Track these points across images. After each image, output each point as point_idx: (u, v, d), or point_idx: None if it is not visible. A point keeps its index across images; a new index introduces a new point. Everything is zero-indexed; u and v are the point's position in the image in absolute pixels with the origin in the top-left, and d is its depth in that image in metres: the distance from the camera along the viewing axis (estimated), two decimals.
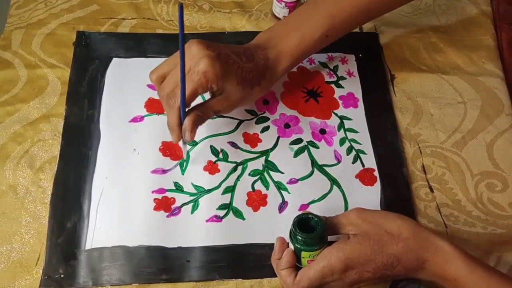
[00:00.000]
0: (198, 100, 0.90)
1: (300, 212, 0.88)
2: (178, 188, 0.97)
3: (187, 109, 0.89)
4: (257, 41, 0.98)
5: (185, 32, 1.12)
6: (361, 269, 0.76)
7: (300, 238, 0.78)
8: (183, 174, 0.99)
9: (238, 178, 0.99)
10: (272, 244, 0.84)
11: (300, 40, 0.96)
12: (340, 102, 1.09)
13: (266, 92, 0.99)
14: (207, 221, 0.95)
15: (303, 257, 0.80)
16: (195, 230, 0.94)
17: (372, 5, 0.99)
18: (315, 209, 0.96)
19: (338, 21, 0.97)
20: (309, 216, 0.81)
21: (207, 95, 0.95)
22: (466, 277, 0.75)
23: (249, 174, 1.00)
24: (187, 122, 0.89)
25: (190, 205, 0.96)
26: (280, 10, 1.16)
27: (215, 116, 0.97)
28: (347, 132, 1.05)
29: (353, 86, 1.12)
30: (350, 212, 0.82)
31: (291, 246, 0.81)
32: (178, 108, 0.87)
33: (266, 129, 1.05)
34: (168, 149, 1.01)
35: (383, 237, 0.77)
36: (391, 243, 0.77)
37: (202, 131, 1.02)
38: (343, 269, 0.76)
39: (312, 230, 0.78)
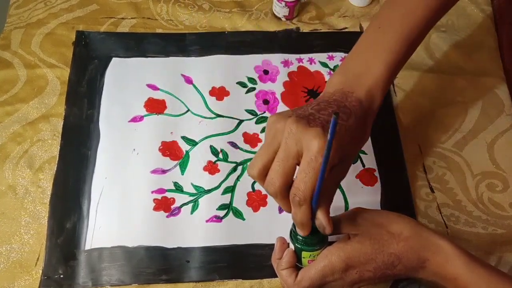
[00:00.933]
0: None
1: None
2: (178, 188, 0.97)
3: None
4: (338, 86, 0.80)
5: (185, 31, 1.13)
6: (362, 268, 0.76)
7: (300, 238, 0.78)
8: (182, 174, 0.99)
9: (238, 178, 0.99)
10: (272, 245, 0.84)
11: (385, 69, 0.82)
12: None
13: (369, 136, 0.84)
14: (207, 221, 0.95)
15: (303, 257, 0.79)
16: (195, 231, 0.94)
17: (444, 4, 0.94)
18: None
19: (416, 35, 0.87)
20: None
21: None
22: (467, 276, 0.75)
23: None
24: (323, 217, 0.74)
25: (190, 205, 0.96)
26: (280, 9, 1.16)
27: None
28: None
29: None
30: (350, 212, 0.82)
31: (292, 246, 0.80)
32: (308, 204, 0.71)
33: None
34: (168, 149, 1.01)
35: (384, 237, 0.77)
36: (391, 242, 0.76)
37: (202, 131, 1.03)
38: (344, 269, 0.75)
39: (312, 230, 0.78)
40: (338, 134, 0.68)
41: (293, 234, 0.79)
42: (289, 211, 0.74)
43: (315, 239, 0.77)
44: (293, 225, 0.79)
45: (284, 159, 0.70)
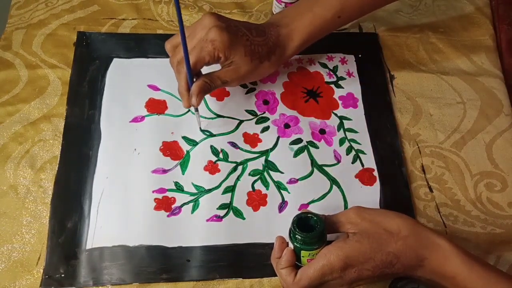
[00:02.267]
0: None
1: (300, 212, 0.88)
2: (179, 188, 0.97)
3: (196, 78, 0.94)
4: (270, 21, 1.01)
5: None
6: (361, 267, 0.76)
7: (299, 237, 0.78)
8: (183, 174, 0.99)
9: (238, 178, 0.99)
10: (272, 244, 0.84)
11: (311, 19, 0.98)
12: (340, 102, 1.10)
13: (275, 69, 1.01)
14: (207, 220, 0.95)
15: (302, 256, 0.80)
16: (196, 230, 0.94)
17: None
18: (315, 209, 0.96)
19: (349, 2, 0.99)
20: (308, 215, 0.81)
21: None
22: (465, 274, 0.75)
23: (249, 174, 1.00)
24: (194, 87, 0.92)
25: (191, 204, 0.96)
26: (280, 10, 1.16)
27: (222, 85, 0.97)
28: (346, 132, 1.06)
29: (352, 86, 1.12)
30: (349, 211, 0.82)
31: (291, 245, 0.81)
32: (185, 73, 0.91)
33: (266, 129, 1.05)
34: (169, 149, 1.01)
35: (382, 236, 0.77)
36: (390, 241, 0.77)
37: (202, 131, 1.03)
38: (342, 268, 0.76)
39: (311, 229, 0.79)
40: (237, 36, 0.92)
41: (292, 233, 0.80)
42: (181, 86, 0.94)
43: (314, 238, 0.78)
44: (292, 224, 0.79)
45: (189, 38, 0.91)
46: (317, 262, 0.77)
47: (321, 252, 0.78)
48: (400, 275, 0.80)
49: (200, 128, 1.03)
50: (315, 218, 0.80)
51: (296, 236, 0.78)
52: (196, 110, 0.98)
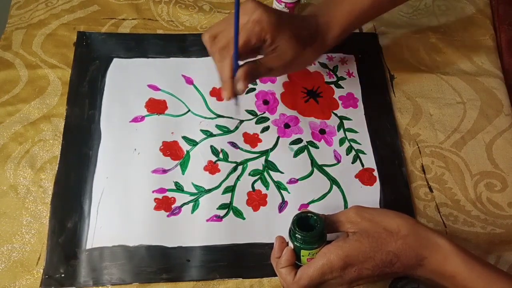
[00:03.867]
0: None
1: (300, 211, 0.88)
2: (179, 188, 0.98)
3: (240, 63, 0.89)
4: (307, 12, 1.00)
5: (185, 32, 1.13)
6: (360, 266, 0.76)
7: (299, 236, 0.78)
8: (183, 174, 0.99)
9: (238, 178, 0.99)
10: (272, 244, 0.84)
11: (350, 9, 0.96)
12: (340, 102, 1.10)
13: (316, 59, 1.01)
14: (207, 220, 0.95)
15: (302, 256, 0.80)
16: (196, 230, 0.94)
17: None
18: (314, 209, 0.96)
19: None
20: (308, 214, 0.81)
21: None
22: (464, 274, 0.75)
23: (249, 174, 1.00)
24: (240, 72, 0.87)
25: (191, 204, 0.96)
26: (280, 10, 1.16)
27: (267, 73, 0.93)
28: (346, 132, 1.06)
29: (352, 86, 1.12)
30: (349, 210, 0.82)
31: (291, 245, 0.81)
32: (230, 58, 0.86)
33: (266, 129, 1.05)
34: (169, 149, 1.01)
35: (382, 235, 0.77)
36: (390, 240, 0.77)
37: (203, 131, 1.04)
38: (342, 267, 0.76)
39: (311, 229, 0.79)
40: (280, 18, 0.87)
41: (292, 232, 0.80)
42: (225, 73, 0.88)
43: (314, 238, 0.78)
44: (292, 224, 0.79)
45: (231, 25, 0.84)
46: (317, 261, 0.77)
47: (321, 251, 0.78)
48: (400, 274, 0.80)
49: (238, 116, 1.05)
50: (315, 217, 0.80)
51: (296, 235, 0.78)
52: (237, 102, 0.98)
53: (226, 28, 0.87)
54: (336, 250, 0.76)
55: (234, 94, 0.89)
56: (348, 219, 0.81)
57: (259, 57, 0.91)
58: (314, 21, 0.93)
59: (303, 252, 0.79)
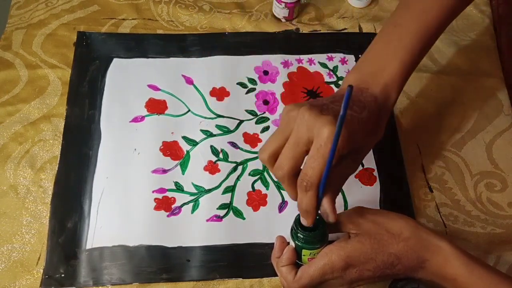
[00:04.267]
0: None
1: None
2: (179, 188, 0.98)
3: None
4: (353, 83, 0.81)
5: (185, 32, 1.13)
6: (362, 267, 0.76)
7: (301, 236, 0.78)
8: (183, 174, 0.99)
9: (238, 178, 0.99)
10: (272, 244, 0.84)
11: (401, 67, 0.84)
12: None
13: (384, 131, 0.84)
14: (207, 220, 0.95)
15: (303, 255, 0.80)
16: (196, 230, 0.94)
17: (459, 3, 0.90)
18: None
19: (431, 34, 0.87)
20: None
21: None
22: (465, 277, 0.75)
23: (249, 174, 1.00)
24: (328, 204, 0.75)
25: (191, 204, 0.96)
26: (280, 10, 1.17)
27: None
28: None
29: None
30: (351, 211, 0.82)
31: (292, 244, 0.81)
32: (314, 190, 0.72)
33: (266, 129, 1.05)
34: (169, 149, 1.01)
35: (384, 237, 0.77)
36: (391, 242, 0.77)
37: (203, 131, 1.04)
38: (343, 267, 0.76)
39: (313, 228, 0.79)
40: (350, 124, 0.71)
41: (294, 231, 0.79)
42: (295, 198, 0.75)
43: (316, 237, 0.78)
44: (294, 223, 0.79)
45: (295, 144, 0.71)
46: (318, 261, 0.77)
47: (323, 251, 0.78)
48: (401, 276, 0.80)
49: None
50: (317, 217, 0.80)
51: (298, 235, 0.78)
52: None
53: (286, 146, 0.74)
54: (338, 251, 0.76)
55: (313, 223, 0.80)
56: (350, 219, 0.81)
57: None
58: (371, 100, 0.80)
59: (304, 251, 0.79)
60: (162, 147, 1.01)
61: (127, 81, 1.08)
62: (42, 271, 0.89)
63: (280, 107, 1.08)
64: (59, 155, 0.99)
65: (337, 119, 0.66)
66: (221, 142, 1.03)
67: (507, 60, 1.19)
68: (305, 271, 0.77)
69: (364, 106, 0.78)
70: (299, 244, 0.79)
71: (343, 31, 1.20)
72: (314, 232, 0.78)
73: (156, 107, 1.05)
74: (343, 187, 0.96)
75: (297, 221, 0.79)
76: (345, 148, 0.71)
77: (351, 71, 0.84)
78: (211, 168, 1.00)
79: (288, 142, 0.73)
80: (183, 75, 1.10)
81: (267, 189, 0.99)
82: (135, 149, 1.00)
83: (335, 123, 0.68)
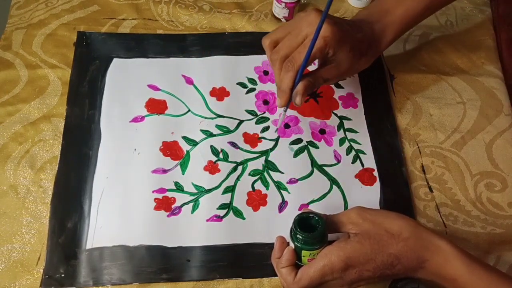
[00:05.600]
0: None
1: (301, 211, 0.88)
2: (179, 188, 0.98)
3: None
4: (360, 16, 1.00)
5: (185, 32, 1.13)
6: (361, 268, 0.76)
7: (300, 237, 0.78)
8: (183, 174, 0.99)
9: (238, 178, 0.99)
10: (272, 244, 0.84)
11: (404, 13, 0.98)
12: (340, 102, 1.10)
13: (369, 64, 1.00)
14: (207, 220, 0.95)
15: (303, 256, 0.80)
16: (196, 230, 0.94)
17: None
18: (315, 209, 0.95)
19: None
20: (310, 215, 0.81)
21: None
22: (466, 277, 0.75)
23: (249, 174, 1.00)
24: (300, 86, 0.90)
25: (191, 204, 0.96)
26: (280, 10, 1.17)
27: (323, 83, 0.95)
28: (346, 132, 1.06)
29: (352, 86, 1.12)
30: (350, 211, 0.82)
31: (292, 245, 0.81)
32: (295, 72, 0.88)
33: (266, 129, 1.05)
34: (169, 149, 1.01)
35: (384, 237, 0.77)
36: (391, 242, 0.77)
37: (203, 131, 1.04)
38: (343, 268, 0.76)
39: (312, 229, 0.79)
40: (340, 26, 0.89)
41: (293, 233, 0.80)
42: (286, 84, 0.89)
43: (315, 238, 0.78)
44: (294, 224, 0.79)
45: (294, 35, 0.89)
46: (318, 262, 0.77)
47: (322, 252, 0.78)
48: (401, 276, 0.80)
49: (277, 129, 1.05)
50: (316, 218, 0.80)
51: (297, 236, 0.78)
52: (286, 109, 0.97)
53: (287, 36, 0.90)
54: (337, 251, 0.76)
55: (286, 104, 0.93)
56: (349, 219, 0.81)
57: (314, 67, 0.95)
58: (369, 30, 0.96)
59: (304, 252, 0.79)
60: (162, 147, 1.01)
61: (127, 81, 1.08)
62: (42, 271, 0.89)
63: None
64: (59, 155, 0.99)
65: (338, 26, 0.88)
66: (221, 142, 1.03)
67: (507, 60, 1.19)
68: (305, 272, 0.78)
69: (361, 30, 0.94)
70: (298, 245, 0.79)
71: None
72: (313, 233, 0.78)
73: (156, 107, 1.05)
74: (343, 187, 0.98)
75: (296, 222, 0.80)
76: (335, 44, 0.88)
77: (364, 8, 1.03)
78: (211, 168, 1.00)
79: (289, 33, 0.90)
80: (183, 75, 1.10)
81: (267, 189, 0.99)
82: (135, 149, 1.00)
83: (333, 25, 0.87)
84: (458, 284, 0.76)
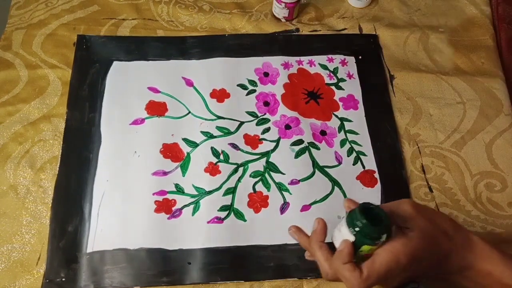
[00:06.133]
0: None
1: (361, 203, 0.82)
2: (179, 190, 0.98)
3: None
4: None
5: (185, 32, 1.13)
6: (418, 265, 0.75)
7: (368, 231, 0.72)
8: (184, 176, 0.99)
9: (239, 180, 1.00)
10: (274, 245, 0.85)
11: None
12: (340, 104, 1.10)
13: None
14: (208, 222, 0.95)
15: (361, 251, 0.74)
16: (196, 232, 0.94)
17: None
18: (317, 210, 0.97)
19: None
20: (371, 206, 0.76)
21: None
22: (500, 269, 0.76)
23: (250, 176, 1.00)
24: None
25: (191, 206, 0.96)
26: (280, 10, 1.17)
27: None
28: (347, 134, 1.06)
29: (353, 88, 1.12)
30: (403, 205, 0.78)
31: (344, 236, 0.75)
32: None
33: (266, 130, 1.05)
34: (169, 151, 1.01)
35: (438, 235, 0.76)
36: (443, 241, 0.76)
37: (203, 133, 1.04)
38: (407, 264, 0.75)
39: (378, 223, 0.74)
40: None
41: (357, 226, 0.73)
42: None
43: (382, 233, 0.74)
44: (356, 215, 0.73)
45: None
46: (383, 258, 0.74)
47: (386, 247, 0.74)
48: (441, 276, 0.80)
49: None
50: (379, 211, 0.74)
51: (364, 229, 0.73)
52: None
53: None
54: (403, 248, 0.74)
55: None
56: (403, 212, 0.78)
57: None
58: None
59: (364, 247, 0.74)
60: (162, 149, 1.01)
61: (127, 84, 1.08)
62: (42, 271, 0.89)
63: (281, 108, 1.08)
64: (59, 156, 0.99)
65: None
66: (221, 144, 1.03)
67: (507, 58, 1.19)
68: (371, 268, 0.74)
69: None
70: (361, 238, 0.74)
71: (343, 31, 1.20)
72: (380, 227, 0.74)
73: (156, 109, 1.05)
74: (345, 189, 0.98)
75: (360, 212, 0.73)
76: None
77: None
78: (212, 169, 1.00)
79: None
80: (183, 77, 1.10)
81: (268, 190, 0.99)
82: (135, 152, 1.00)
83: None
84: (493, 278, 0.76)
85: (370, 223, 0.72)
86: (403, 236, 0.75)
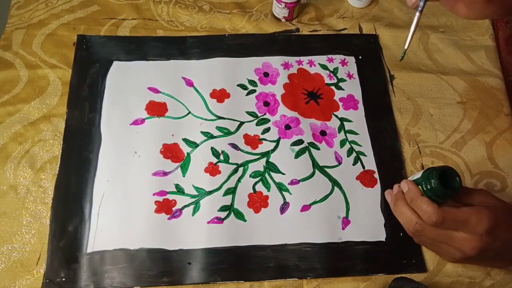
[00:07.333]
0: None
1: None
2: (179, 190, 0.98)
3: None
4: None
5: (185, 32, 1.13)
6: (496, 238, 0.78)
7: (440, 193, 0.81)
8: (184, 176, 0.99)
9: (239, 180, 0.99)
10: (274, 245, 0.85)
11: None
12: (340, 104, 1.10)
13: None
14: (208, 223, 0.95)
15: None
16: (197, 232, 0.94)
17: None
18: (318, 211, 0.97)
19: None
20: (451, 171, 0.83)
21: None
22: None
23: (250, 176, 1.00)
24: None
25: (191, 207, 0.96)
26: (280, 10, 1.17)
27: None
28: (347, 134, 1.06)
29: (353, 88, 1.12)
30: (479, 192, 0.86)
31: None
32: None
33: (266, 130, 1.05)
34: (169, 152, 1.01)
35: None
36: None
37: (203, 133, 1.04)
38: (487, 230, 0.77)
39: (444, 183, 0.81)
40: None
41: (431, 183, 0.82)
42: None
43: (449, 196, 0.81)
44: (434, 176, 0.81)
45: None
46: (465, 209, 0.79)
47: (472, 207, 0.80)
48: (493, 264, 0.85)
49: (404, 50, 0.93)
50: (457, 177, 0.83)
51: (437, 191, 0.81)
52: (421, 9, 0.84)
53: None
54: (488, 212, 0.78)
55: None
56: (479, 197, 0.84)
57: None
58: None
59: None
60: (162, 150, 1.01)
61: (127, 84, 1.08)
62: (42, 271, 0.89)
63: (281, 108, 1.08)
64: (59, 156, 0.99)
65: None
66: (221, 144, 1.03)
67: (505, 57, 1.19)
68: (450, 210, 0.79)
69: None
70: (429, 195, 0.82)
71: (343, 31, 1.20)
72: (450, 190, 0.80)
73: (157, 109, 1.05)
74: (345, 189, 0.98)
75: (437, 176, 0.82)
76: None
77: None
78: (212, 170, 1.00)
79: None
80: (183, 77, 1.10)
81: (269, 190, 0.99)
82: (136, 152, 1.00)
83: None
84: None
85: (447, 188, 0.80)
86: (489, 206, 0.80)
